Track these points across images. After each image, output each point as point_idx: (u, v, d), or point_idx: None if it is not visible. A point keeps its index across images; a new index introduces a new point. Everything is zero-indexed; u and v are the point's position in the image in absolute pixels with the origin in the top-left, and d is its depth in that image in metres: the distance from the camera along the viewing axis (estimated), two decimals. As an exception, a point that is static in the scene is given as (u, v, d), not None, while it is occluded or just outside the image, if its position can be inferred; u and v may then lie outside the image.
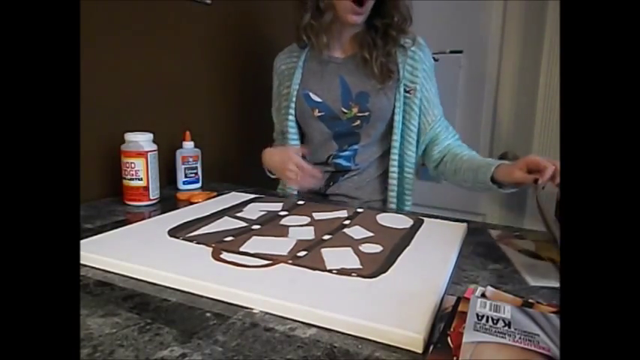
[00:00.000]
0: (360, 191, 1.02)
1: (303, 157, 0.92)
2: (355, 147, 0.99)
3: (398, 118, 0.96)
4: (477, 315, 0.41)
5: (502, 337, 0.38)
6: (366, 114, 0.95)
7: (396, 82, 0.95)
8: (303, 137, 1.05)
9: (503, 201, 1.44)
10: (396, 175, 0.99)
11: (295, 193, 1.05)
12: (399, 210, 1.00)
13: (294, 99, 0.99)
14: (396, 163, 0.99)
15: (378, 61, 0.92)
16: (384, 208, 1.00)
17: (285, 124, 1.02)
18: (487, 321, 0.40)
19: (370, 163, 1.02)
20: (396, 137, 0.97)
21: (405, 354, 0.39)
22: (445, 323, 0.42)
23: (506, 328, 0.39)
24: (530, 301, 0.46)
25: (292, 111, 1.00)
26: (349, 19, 0.91)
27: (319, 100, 0.97)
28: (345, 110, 0.96)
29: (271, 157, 0.96)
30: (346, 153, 1.00)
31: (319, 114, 0.97)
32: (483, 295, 0.48)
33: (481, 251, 0.65)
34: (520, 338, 0.38)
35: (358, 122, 0.96)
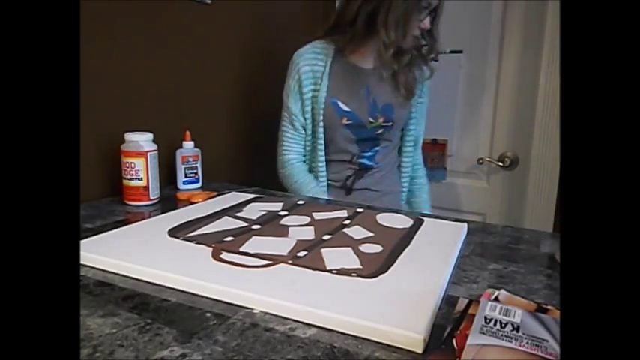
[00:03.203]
0: (380, 184, 1.11)
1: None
2: (377, 149, 1.09)
3: (413, 127, 1.10)
4: (485, 318, 0.41)
5: (508, 340, 0.38)
6: (390, 124, 1.05)
7: (412, 100, 1.07)
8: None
9: (503, 201, 1.44)
10: (407, 176, 1.15)
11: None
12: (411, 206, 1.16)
13: (322, 105, 1.03)
14: (408, 169, 1.14)
15: (404, 79, 1.01)
16: (406, 199, 1.17)
17: (316, 130, 1.05)
18: (495, 324, 0.40)
19: (388, 161, 1.12)
20: (409, 144, 1.12)
21: (405, 354, 0.39)
22: (453, 325, 0.41)
23: (514, 332, 0.39)
24: (545, 306, 0.45)
25: (322, 117, 1.04)
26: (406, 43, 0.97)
27: (348, 109, 1.03)
28: (372, 120, 1.04)
29: None
30: (369, 154, 1.08)
31: (347, 122, 1.03)
32: (496, 299, 0.47)
33: (481, 251, 0.65)
34: (527, 343, 0.38)
35: (381, 131, 1.06)
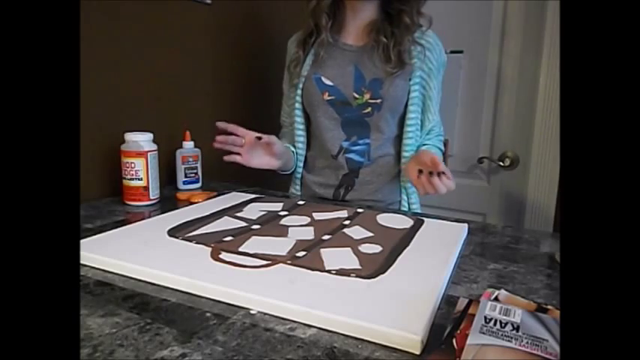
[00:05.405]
0: (379, 193, 1.00)
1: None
2: (367, 141, 0.98)
3: (414, 115, 0.96)
4: (485, 318, 0.41)
5: (508, 340, 0.38)
6: (378, 101, 0.94)
7: (409, 73, 0.94)
8: (308, 133, 1.05)
9: (503, 201, 1.44)
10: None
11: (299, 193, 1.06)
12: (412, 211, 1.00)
13: (300, 85, 0.99)
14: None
15: (396, 49, 0.92)
16: (401, 210, 1.00)
17: (293, 112, 1.02)
18: (495, 324, 0.40)
19: (384, 163, 1.00)
20: (412, 128, 0.96)
21: (406, 354, 0.39)
22: (453, 325, 0.41)
23: (514, 332, 0.39)
24: (545, 306, 0.45)
25: (299, 98, 0.99)
26: None
27: (331, 83, 0.96)
28: (357, 95, 0.94)
29: None
30: (358, 147, 0.98)
31: (329, 97, 0.96)
32: (496, 299, 0.47)
33: (481, 251, 0.65)
34: (527, 343, 0.38)
35: (369, 109, 0.95)
